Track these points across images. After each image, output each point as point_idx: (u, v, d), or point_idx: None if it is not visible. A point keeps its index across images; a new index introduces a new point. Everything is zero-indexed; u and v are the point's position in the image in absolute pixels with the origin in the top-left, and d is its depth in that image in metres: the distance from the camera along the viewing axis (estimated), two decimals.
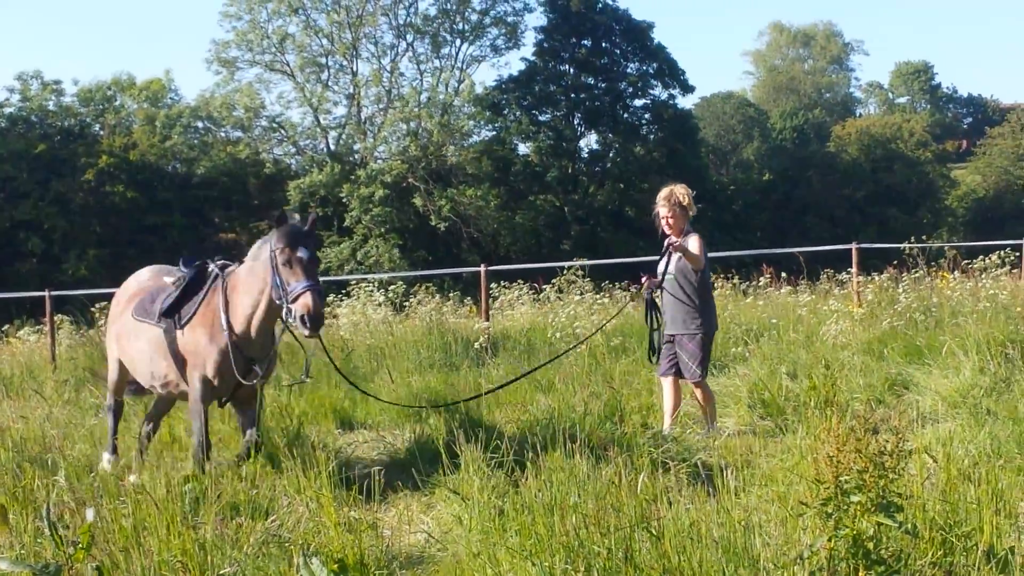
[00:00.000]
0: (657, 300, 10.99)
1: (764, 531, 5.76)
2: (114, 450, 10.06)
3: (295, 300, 8.18)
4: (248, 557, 6.29)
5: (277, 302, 8.43)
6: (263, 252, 8.64)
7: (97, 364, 15.13)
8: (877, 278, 17.91)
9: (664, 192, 10.89)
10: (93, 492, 7.71)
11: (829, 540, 5.21)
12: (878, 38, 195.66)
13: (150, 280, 9.93)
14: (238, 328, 8.75)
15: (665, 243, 10.71)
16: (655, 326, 10.94)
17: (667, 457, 8.34)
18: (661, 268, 10.85)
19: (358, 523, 6.58)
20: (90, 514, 6.05)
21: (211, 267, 9.28)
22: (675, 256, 10.60)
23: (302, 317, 8.12)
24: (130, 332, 9.56)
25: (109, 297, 15.73)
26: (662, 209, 10.78)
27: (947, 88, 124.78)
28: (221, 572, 6.09)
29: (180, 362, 9.01)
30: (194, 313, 8.96)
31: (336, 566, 5.87)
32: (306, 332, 8.23)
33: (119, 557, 6.09)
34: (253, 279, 8.71)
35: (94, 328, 18.51)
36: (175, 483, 7.36)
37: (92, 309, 19.12)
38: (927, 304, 15.45)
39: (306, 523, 6.99)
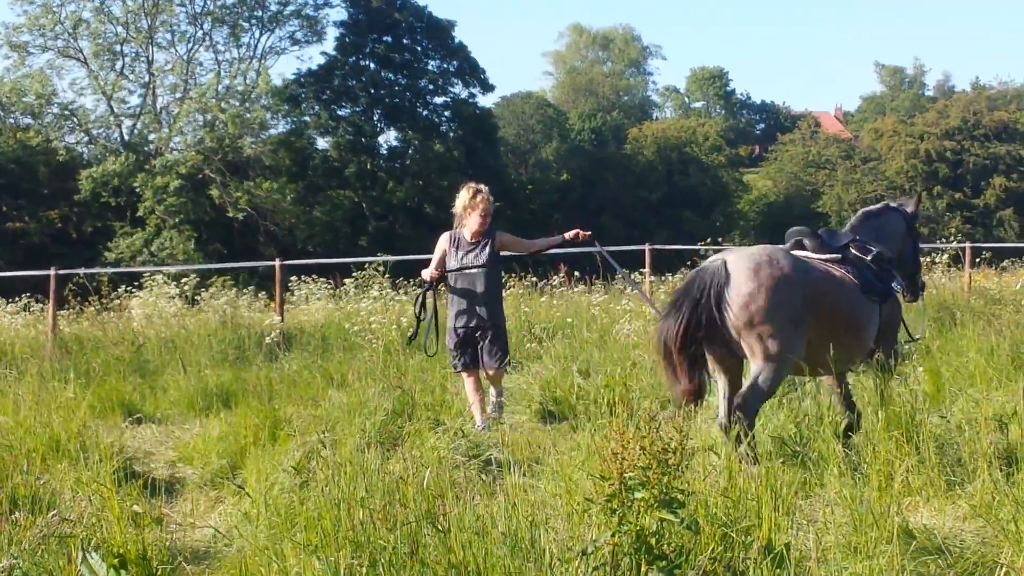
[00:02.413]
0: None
1: (550, 526, 5.81)
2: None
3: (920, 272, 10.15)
4: (26, 552, 6.12)
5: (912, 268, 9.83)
6: (896, 223, 9.61)
7: None
8: (670, 278, 18.26)
9: (470, 191, 11.11)
10: None
11: (613, 535, 5.27)
12: (675, 43, 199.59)
13: (791, 259, 8.38)
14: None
15: (567, 236, 11.50)
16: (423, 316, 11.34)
17: (457, 452, 8.41)
18: (460, 262, 10.89)
19: (141, 518, 6.45)
20: None
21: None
22: (484, 248, 10.88)
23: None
24: (848, 317, 8.55)
25: None
26: (482, 205, 11.00)
27: (741, 94, 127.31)
28: None
29: (874, 335, 8.85)
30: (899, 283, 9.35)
31: (116, 561, 5.75)
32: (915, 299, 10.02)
33: None
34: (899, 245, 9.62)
35: None
36: None
37: None
38: None
39: (89, 517, 6.82)
